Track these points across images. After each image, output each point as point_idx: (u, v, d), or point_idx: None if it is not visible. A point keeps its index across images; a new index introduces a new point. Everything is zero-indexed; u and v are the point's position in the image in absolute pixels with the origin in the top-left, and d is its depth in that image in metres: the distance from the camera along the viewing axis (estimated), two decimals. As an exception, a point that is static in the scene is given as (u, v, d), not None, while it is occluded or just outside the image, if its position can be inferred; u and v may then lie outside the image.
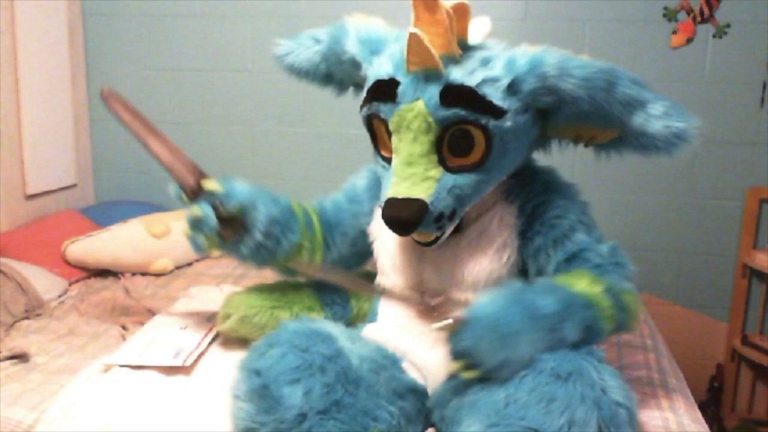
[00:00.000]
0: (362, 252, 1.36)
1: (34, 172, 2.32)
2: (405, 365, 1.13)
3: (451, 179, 1.06)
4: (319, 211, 1.37)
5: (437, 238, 1.10)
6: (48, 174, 2.41)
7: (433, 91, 1.03)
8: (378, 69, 1.12)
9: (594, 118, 1.07)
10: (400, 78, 1.07)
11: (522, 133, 1.08)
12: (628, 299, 1.10)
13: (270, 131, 2.59)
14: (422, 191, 1.04)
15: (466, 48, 1.07)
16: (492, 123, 1.03)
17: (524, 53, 1.07)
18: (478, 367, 0.93)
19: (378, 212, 1.23)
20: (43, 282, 1.89)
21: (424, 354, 1.13)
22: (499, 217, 1.14)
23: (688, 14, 2.27)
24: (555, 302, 0.99)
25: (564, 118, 1.10)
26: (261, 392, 0.97)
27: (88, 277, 2.10)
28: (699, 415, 1.24)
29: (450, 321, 0.94)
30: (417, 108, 1.04)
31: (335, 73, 1.34)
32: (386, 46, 1.17)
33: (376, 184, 1.31)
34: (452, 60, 1.04)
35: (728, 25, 2.25)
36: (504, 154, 1.08)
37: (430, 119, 1.03)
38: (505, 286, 1.03)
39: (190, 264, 2.24)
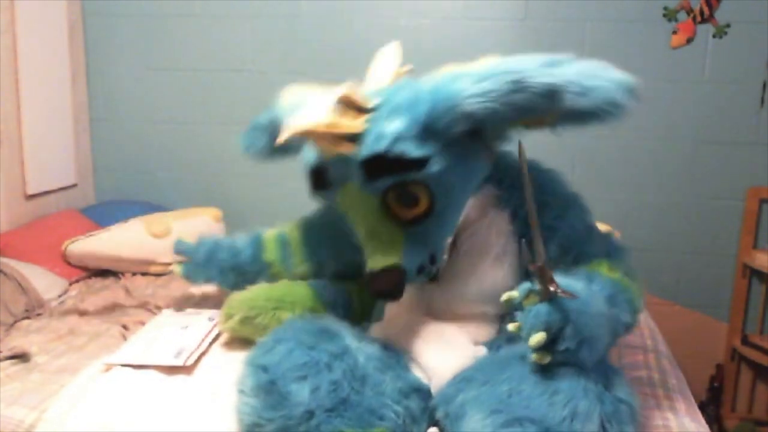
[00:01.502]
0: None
1: (34, 172, 2.32)
2: (410, 364, 1.13)
3: (414, 233, 1.07)
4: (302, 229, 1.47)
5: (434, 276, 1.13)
6: (48, 174, 2.41)
7: (356, 170, 1.03)
8: (306, 159, 1.14)
9: (521, 114, 1.02)
10: (326, 165, 1.08)
11: (458, 163, 1.06)
12: (638, 280, 1.15)
13: (270, 131, 2.59)
14: (394, 257, 1.06)
15: (370, 109, 1.05)
16: (421, 175, 1.02)
17: (421, 90, 1.04)
18: (559, 345, 0.90)
19: None
20: (44, 282, 1.89)
21: (429, 354, 1.14)
22: (493, 225, 1.15)
23: (688, 14, 2.27)
24: (604, 287, 1.02)
25: (498, 126, 1.09)
26: (268, 388, 0.98)
27: (89, 277, 2.10)
28: (699, 415, 1.24)
29: (531, 289, 0.91)
30: (350, 190, 1.06)
31: (291, 148, 1.33)
32: None
33: None
34: (360, 134, 1.02)
35: (728, 25, 2.25)
36: (452, 190, 1.07)
37: (366, 195, 1.05)
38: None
39: (190, 264, 2.24)
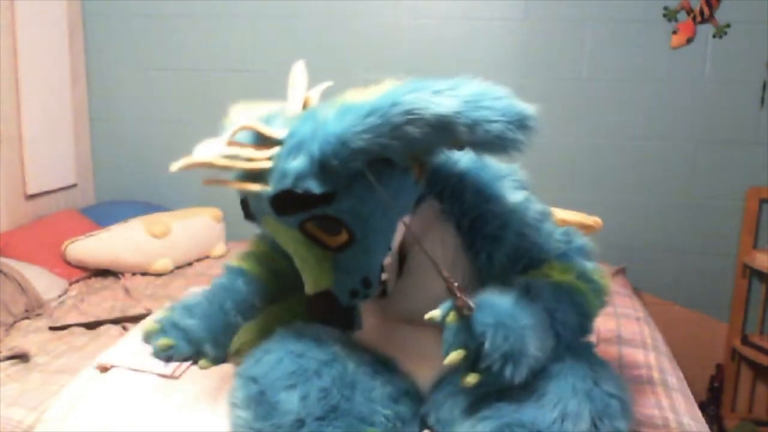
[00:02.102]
0: None
1: (34, 172, 2.32)
2: (399, 368, 1.13)
3: (342, 258, 1.05)
4: None
5: (383, 291, 1.12)
6: (48, 174, 2.41)
7: (266, 206, 1.02)
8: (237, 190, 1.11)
9: (422, 144, 0.93)
10: (247, 198, 1.09)
11: (368, 194, 1.00)
12: (596, 277, 1.12)
13: (270, 131, 2.59)
14: (324, 282, 1.05)
15: (278, 142, 1.02)
16: (330, 209, 0.99)
17: (318, 126, 0.98)
18: (480, 363, 0.89)
19: None
20: (44, 282, 1.89)
21: (407, 361, 1.13)
22: (440, 238, 1.14)
23: (689, 14, 2.27)
24: (543, 295, 1.00)
25: (401, 155, 0.99)
26: (258, 399, 0.97)
27: (88, 277, 2.10)
28: (699, 414, 1.24)
29: (452, 307, 0.90)
30: (269, 222, 1.06)
31: None
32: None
33: None
34: (265, 171, 1.00)
35: (728, 25, 2.25)
36: (371, 217, 1.02)
37: (284, 227, 1.04)
38: (493, 288, 0.98)
39: (190, 264, 2.24)
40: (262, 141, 1.02)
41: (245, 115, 1.18)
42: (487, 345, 0.88)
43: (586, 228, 1.35)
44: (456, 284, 0.90)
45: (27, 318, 1.73)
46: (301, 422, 0.94)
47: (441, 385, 1.06)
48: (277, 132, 1.03)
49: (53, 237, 2.13)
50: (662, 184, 2.39)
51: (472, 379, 0.91)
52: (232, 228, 2.51)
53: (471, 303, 0.89)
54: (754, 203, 2.33)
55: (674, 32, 2.28)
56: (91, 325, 1.65)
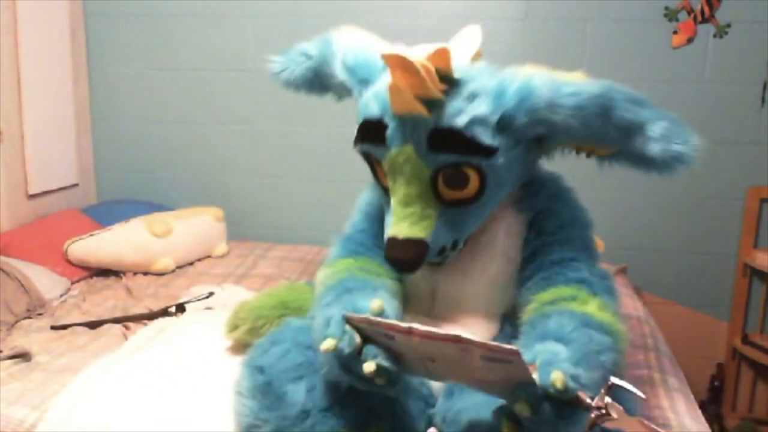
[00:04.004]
0: None
1: (35, 172, 2.32)
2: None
3: (450, 214, 1.05)
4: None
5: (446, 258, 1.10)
6: (50, 173, 2.42)
7: (421, 136, 1.00)
8: (365, 107, 1.08)
9: (591, 139, 1.04)
10: (387, 120, 1.03)
11: (517, 163, 1.05)
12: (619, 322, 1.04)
13: (270, 131, 2.59)
14: (421, 230, 1.03)
15: (452, 82, 1.02)
16: (484, 162, 1.00)
17: (512, 82, 1.01)
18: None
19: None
20: (45, 281, 1.90)
21: None
22: (507, 226, 1.13)
23: (689, 14, 2.27)
24: (598, 341, 0.93)
25: (560, 141, 1.08)
26: (264, 389, 0.98)
27: (90, 277, 2.11)
28: (699, 414, 1.24)
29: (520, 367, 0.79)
30: (406, 153, 1.02)
31: (330, 86, 1.30)
32: (375, 75, 1.11)
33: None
34: (436, 102, 0.99)
35: (729, 25, 2.25)
36: (500, 186, 1.06)
37: (421, 163, 1.02)
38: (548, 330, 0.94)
39: (191, 263, 2.24)
40: (437, 74, 0.99)
41: (368, 38, 1.19)
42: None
43: None
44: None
45: (29, 317, 1.74)
46: (306, 414, 0.95)
47: (449, 385, 1.05)
48: (455, 71, 1.02)
49: (55, 236, 2.13)
50: (662, 184, 2.38)
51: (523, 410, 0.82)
52: (233, 227, 2.51)
53: (525, 369, 0.80)
54: (755, 203, 2.33)
55: (675, 32, 2.28)
56: (93, 325, 1.65)
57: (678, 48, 2.30)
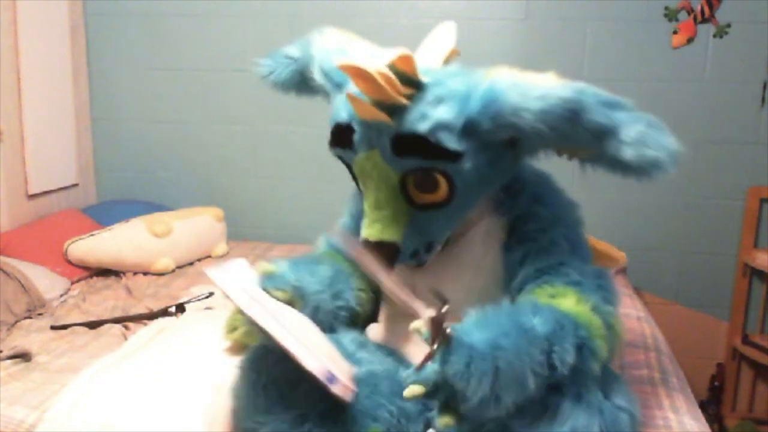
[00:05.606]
0: None
1: (35, 172, 2.32)
2: (406, 364, 1.13)
3: (422, 217, 1.04)
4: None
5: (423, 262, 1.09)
6: (50, 173, 2.42)
7: (386, 141, 1.00)
8: (336, 112, 1.09)
9: (563, 143, 1.00)
10: (355, 125, 1.04)
11: (487, 167, 1.02)
12: (612, 321, 1.02)
13: (270, 131, 2.59)
14: (393, 234, 1.03)
15: (419, 86, 1.00)
16: (450, 167, 0.99)
17: (478, 85, 0.99)
18: (457, 403, 0.87)
19: None
20: (45, 281, 1.90)
21: (418, 357, 1.13)
22: (486, 231, 1.12)
23: (689, 14, 2.27)
24: (544, 323, 0.92)
25: (533, 144, 1.04)
26: (262, 392, 0.98)
27: (90, 277, 2.11)
28: (700, 414, 1.24)
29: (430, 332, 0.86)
30: (373, 158, 1.02)
31: (317, 88, 1.28)
32: (348, 80, 1.08)
33: None
34: (400, 107, 0.98)
35: (729, 25, 2.25)
36: (471, 189, 1.04)
37: (388, 168, 1.02)
38: (490, 307, 0.95)
39: (191, 263, 2.25)
40: (402, 78, 0.98)
41: (347, 41, 1.18)
42: (465, 388, 0.85)
43: (611, 260, 1.31)
44: (438, 311, 0.86)
45: (29, 317, 1.74)
46: (304, 417, 0.95)
47: None
48: (420, 75, 1.00)
49: (55, 236, 2.13)
50: (662, 184, 2.38)
51: (448, 420, 0.91)
52: (233, 227, 2.51)
53: (447, 333, 0.85)
54: (755, 203, 2.33)
55: (675, 32, 2.28)
56: (93, 325, 1.65)
57: (678, 48, 2.30)
